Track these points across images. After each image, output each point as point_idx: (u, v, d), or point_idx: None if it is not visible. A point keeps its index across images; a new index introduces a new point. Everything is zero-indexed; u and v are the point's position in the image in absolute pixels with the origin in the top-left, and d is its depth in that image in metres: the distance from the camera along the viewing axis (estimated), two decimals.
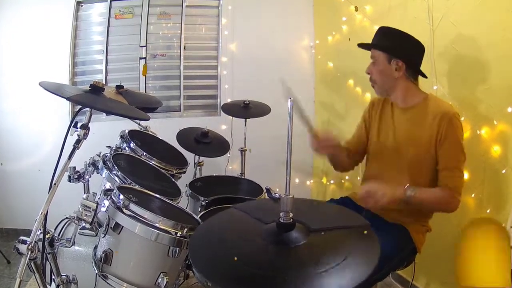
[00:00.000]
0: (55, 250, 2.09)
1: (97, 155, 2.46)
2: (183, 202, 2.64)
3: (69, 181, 2.39)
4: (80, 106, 1.93)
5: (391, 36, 2.27)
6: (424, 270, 2.91)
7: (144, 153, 2.72)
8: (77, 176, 2.42)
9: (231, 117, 3.90)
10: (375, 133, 2.43)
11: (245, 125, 3.79)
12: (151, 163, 2.70)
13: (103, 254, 1.85)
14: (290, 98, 1.34)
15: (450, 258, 2.78)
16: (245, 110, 3.68)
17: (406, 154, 2.21)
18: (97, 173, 2.41)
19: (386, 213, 2.27)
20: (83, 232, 1.97)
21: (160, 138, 3.19)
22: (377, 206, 2.02)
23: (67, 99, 1.85)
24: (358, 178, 2.55)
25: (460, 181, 2.12)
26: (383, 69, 2.24)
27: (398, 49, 2.22)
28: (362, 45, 2.40)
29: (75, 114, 1.90)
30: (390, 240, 2.06)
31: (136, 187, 2.18)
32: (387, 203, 2.00)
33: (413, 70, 2.25)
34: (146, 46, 4.38)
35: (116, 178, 2.24)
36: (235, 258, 1.18)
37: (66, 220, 2.36)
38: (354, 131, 2.59)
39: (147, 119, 2.14)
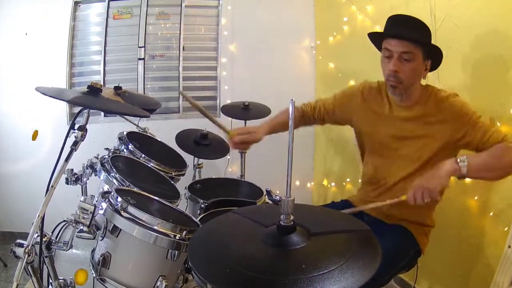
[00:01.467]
0: (53, 254, 2.10)
1: (95, 157, 2.47)
2: (182, 205, 2.64)
3: (67, 183, 2.39)
4: (81, 108, 1.93)
5: (423, 29, 2.07)
6: (426, 274, 2.91)
7: (143, 155, 2.72)
8: (74, 179, 2.42)
9: (230, 118, 3.90)
10: (370, 128, 2.35)
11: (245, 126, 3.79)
12: (149, 165, 2.70)
13: (101, 258, 1.85)
14: (292, 100, 1.34)
15: (453, 261, 2.79)
16: (245, 111, 3.67)
17: (408, 154, 2.17)
18: (95, 175, 2.41)
19: (387, 217, 2.27)
20: (80, 235, 1.98)
21: (159, 140, 3.19)
22: (435, 197, 1.88)
23: (68, 101, 1.86)
24: (360, 181, 2.55)
25: (501, 132, 2.00)
26: (418, 68, 2.06)
27: (433, 48, 2.07)
28: (401, 35, 2.05)
29: (75, 116, 1.90)
30: (394, 244, 2.05)
31: (135, 189, 2.17)
32: (441, 186, 1.88)
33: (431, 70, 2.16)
34: (144, 46, 4.39)
35: (114, 181, 2.24)
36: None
37: (63, 223, 2.36)
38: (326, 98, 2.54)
39: (147, 116, 2.14)
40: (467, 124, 2.00)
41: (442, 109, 2.06)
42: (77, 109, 3.91)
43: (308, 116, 2.53)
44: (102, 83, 3.91)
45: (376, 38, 2.21)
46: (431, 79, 2.30)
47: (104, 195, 1.96)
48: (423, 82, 2.25)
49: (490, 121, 2.03)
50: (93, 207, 1.89)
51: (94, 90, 1.95)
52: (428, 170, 2.01)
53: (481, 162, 1.92)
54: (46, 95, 1.77)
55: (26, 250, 1.68)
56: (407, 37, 2.02)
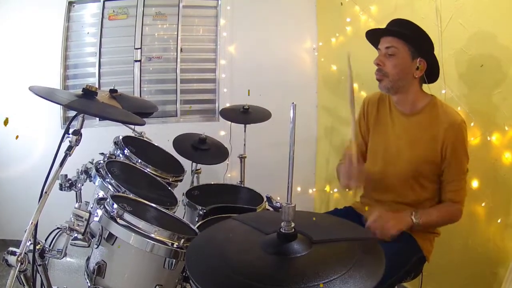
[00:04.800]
0: (46, 262, 2.09)
1: (89, 162, 2.47)
2: (180, 212, 2.64)
3: (61, 189, 2.39)
4: (76, 113, 1.93)
5: (414, 30, 2.17)
6: (432, 282, 2.90)
7: (139, 160, 2.72)
8: (69, 184, 2.42)
9: (230, 122, 3.91)
10: (372, 138, 2.42)
11: (245, 131, 3.80)
12: (146, 171, 2.70)
13: (96, 266, 1.85)
14: (293, 103, 1.35)
15: (459, 269, 2.79)
16: (244, 115, 3.68)
17: (409, 162, 2.21)
18: (90, 181, 2.41)
19: None
20: (75, 243, 1.97)
21: (156, 144, 3.19)
22: (385, 238, 2.01)
23: (65, 106, 1.86)
24: (362, 187, 2.55)
25: (465, 192, 2.18)
26: (403, 64, 2.15)
27: (424, 46, 2.17)
28: (379, 30, 2.26)
29: (70, 121, 1.91)
30: (396, 250, 2.05)
31: (131, 195, 2.18)
32: (393, 234, 2.02)
33: (430, 73, 2.22)
34: (141, 48, 4.41)
35: (110, 187, 2.24)
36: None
37: (57, 230, 2.36)
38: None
39: (143, 124, 2.15)
40: (456, 157, 2.14)
41: (450, 128, 2.12)
42: (71, 112, 3.94)
43: None
44: (97, 86, 3.93)
45: (373, 42, 2.32)
46: (437, 81, 2.31)
47: (100, 201, 1.96)
48: (427, 90, 2.27)
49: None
50: (88, 214, 1.89)
51: (89, 93, 1.95)
52: (423, 183, 2.22)
53: (431, 221, 2.15)
54: (41, 96, 1.77)
55: (19, 259, 1.68)
56: (389, 30, 2.21)
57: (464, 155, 2.14)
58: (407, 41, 2.13)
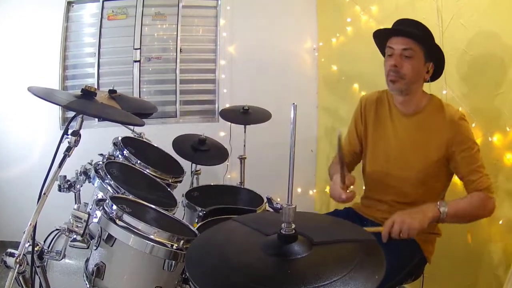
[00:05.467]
0: (45, 263, 2.09)
1: (88, 163, 2.46)
2: (179, 213, 2.64)
3: (59, 190, 2.39)
4: (75, 113, 1.93)
5: (425, 30, 2.17)
6: (433, 283, 2.90)
7: (138, 161, 2.72)
8: (67, 186, 2.42)
9: (229, 123, 3.91)
10: (372, 139, 2.42)
11: (245, 131, 3.79)
12: (145, 172, 2.70)
13: (95, 268, 1.84)
14: (293, 104, 1.34)
15: (460, 271, 2.79)
16: (244, 116, 3.68)
17: (413, 162, 2.21)
18: (89, 182, 2.41)
19: None
20: (74, 245, 1.97)
21: (155, 145, 3.19)
22: (413, 234, 1.96)
23: (64, 106, 1.86)
24: (364, 188, 2.55)
25: (489, 180, 2.09)
26: (419, 67, 2.15)
27: (435, 50, 2.17)
28: (392, 30, 2.22)
29: (69, 122, 1.91)
30: (396, 251, 2.05)
31: (130, 197, 2.18)
32: (421, 228, 1.96)
33: (434, 73, 2.23)
34: (140, 48, 4.40)
35: (109, 188, 2.24)
36: None
37: (56, 231, 2.35)
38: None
39: (142, 124, 2.14)
40: (466, 150, 2.10)
41: (450, 125, 2.12)
42: (70, 113, 3.93)
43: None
44: (96, 86, 3.93)
45: (380, 39, 2.28)
46: (438, 81, 2.31)
47: (99, 202, 1.95)
48: (428, 90, 2.27)
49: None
50: (87, 215, 1.89)
51: (88, 94, 1.95)
52: (426, 183, 2.20)
53: (458, 210, 2.04)
54: (39, 97, 1.77)
55: (17, 260, 1.68)
56: (408, 32, 2.13)
57: (473, 144, 2.12)
58: (422, 44, 2.13)
